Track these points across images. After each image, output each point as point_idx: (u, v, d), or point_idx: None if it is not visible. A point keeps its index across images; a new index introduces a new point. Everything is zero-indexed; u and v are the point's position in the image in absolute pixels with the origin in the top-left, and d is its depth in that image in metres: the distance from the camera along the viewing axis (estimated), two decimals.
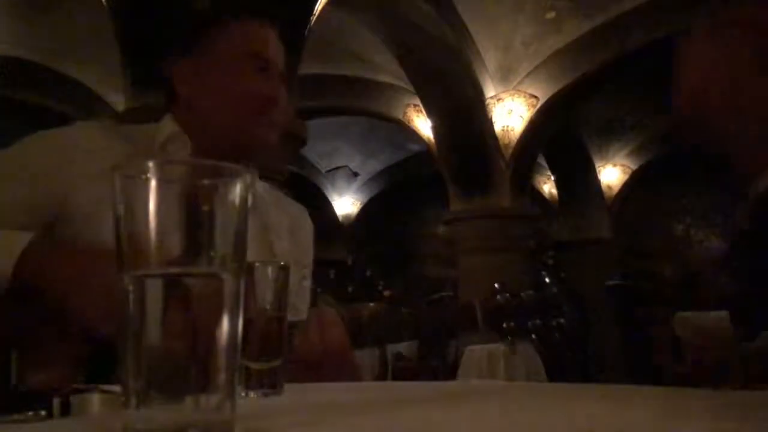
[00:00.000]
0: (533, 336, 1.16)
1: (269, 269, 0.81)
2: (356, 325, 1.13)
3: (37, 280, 0.96)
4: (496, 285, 1.16)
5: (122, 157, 1.16)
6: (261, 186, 1.38)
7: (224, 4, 1.32)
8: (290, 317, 1.27)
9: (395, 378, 7.09)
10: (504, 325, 1.13)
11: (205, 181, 0.42)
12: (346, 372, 1.06)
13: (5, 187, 1.14)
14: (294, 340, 1.03)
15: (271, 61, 1.24)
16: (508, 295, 1.14)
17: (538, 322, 1.12)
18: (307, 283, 1.41)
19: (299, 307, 1.35)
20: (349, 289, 10.82)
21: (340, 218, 12.21)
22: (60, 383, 0.91)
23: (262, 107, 1.22)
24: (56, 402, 0.60)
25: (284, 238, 1.36)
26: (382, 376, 6.47)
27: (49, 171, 1.14)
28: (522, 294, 1.13)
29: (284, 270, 0.82)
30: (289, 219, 1.41)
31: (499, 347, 5.97)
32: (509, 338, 1.14)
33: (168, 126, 1.25)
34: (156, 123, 1.27)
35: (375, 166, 11.74)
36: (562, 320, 1.13)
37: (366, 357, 6.07)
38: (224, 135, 1.21)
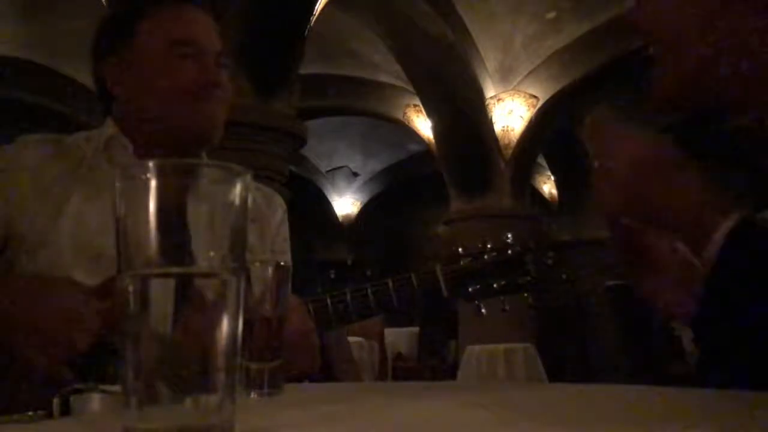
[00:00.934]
0: (501, 297, 1.14)
1: (269, 269, 0.81)
2: (321, 306, 1.11)
3: None
4: (459, 249, 1.15)
5: (56, 170, 1.16)
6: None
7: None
8: None
9: (395, 378, 7.09)
10: (469, 288, 1.11)
11: (205, 181, 0.43)
12: (307, 352, 1.04)
13: None
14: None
15: (197, 44, 1.20)
16: (470, 258, 1.12)
17: (503, 282, 1.11)
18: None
19: None
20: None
21: (340, 218, 12.20)
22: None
23: (196, 93, 1.18)
24: (56, 402, 0.60)
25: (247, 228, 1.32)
26: (382, 376, 6.47)
27: None
28: (485, 256, 1.12)
29: (284, 270, 0.82)
30: (254, 207, 1.33)
31: (499, 347, 5.97)
32: (476, 302, 1.12)
33: (108, 129, 1.23)
34: (99, 128, 1.26)
35: (375, 166, 11.74)
36: (528, 278, 1.11)
37: (366, 356, 6.07)
38: (164, 129, 1.19)
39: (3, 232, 1.12)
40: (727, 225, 0.75)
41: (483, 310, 1.13)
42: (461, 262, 1.12)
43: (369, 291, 1.14)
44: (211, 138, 1.21)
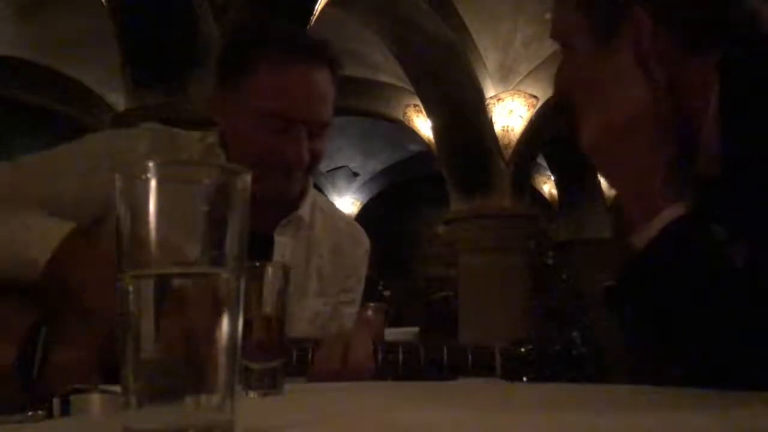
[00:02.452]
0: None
1: (269, 269, 0.81)
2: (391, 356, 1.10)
3: (67, 277, 0.98)
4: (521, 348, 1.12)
5: None
6: (319, 203, 1.33)
7: (266, 37, 1.19)
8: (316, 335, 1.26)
9: (395, 378, 7.07)
10: (523, 377, 1.07)
11: (206, 181, 0.43)
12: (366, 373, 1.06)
13: (60, 179, 1.15)
14: (314, 354, 1.04)
15: (298, 120, 1.13)
16: (531, 347, 1.08)
17: (556, 369, 1.08)
18: (350, 310, 1.35)
19: (330, 329, 1.30)
20: None
21: None
22: (79, 371, 0.93)
23: (278, 165, 1.14)
24: (56, 402, 0.60)
25: (325, 258, 1.31)
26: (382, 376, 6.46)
27: (100, 171, 1.12)
28: (548, 349, 1.08)
29: (284, 270, 0.82)
30: (335, 238, 1.34)
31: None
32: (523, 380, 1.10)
33: (211, 137, 1.24)
34: (206, 131, 1.26)
35: (375, 166, 11.73)
36: (574, 373, 1.09)
37: None
38: (244, 161, 1.19)
39: (96, 213, 1.11)
40: (668, 215, 0.80)
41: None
42: (521, 348, 1.09)
43: (422, 351, 1.11)
44: (276, 201, 1.18)
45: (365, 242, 1.39)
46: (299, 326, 1.22)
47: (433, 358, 1.10)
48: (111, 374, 0.89)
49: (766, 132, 0.74)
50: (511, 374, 1.08)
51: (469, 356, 1.09)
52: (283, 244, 1.24)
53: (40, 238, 1.00)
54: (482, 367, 1.08)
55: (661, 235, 0.80)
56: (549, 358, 1.08)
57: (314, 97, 1.15)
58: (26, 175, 1.16)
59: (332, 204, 1.43)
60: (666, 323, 0.80)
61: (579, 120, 0.93)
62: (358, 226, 1.42)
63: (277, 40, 1.16)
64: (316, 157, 1.17)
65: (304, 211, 1.28)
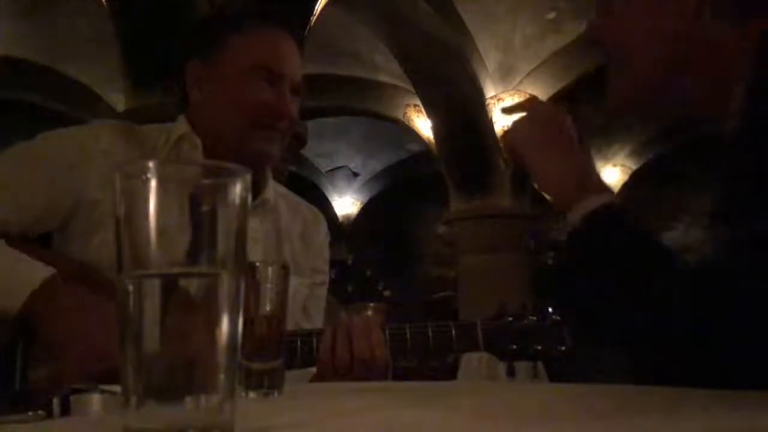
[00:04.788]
0: (536, 363, 1.15)
1: (269, 269, 0.81)
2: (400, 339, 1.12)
3: (42, 326, 0.98)
4: (500, 305, 1.16)
5: (137, 158, 1.17)
6: (276, 189, 1.38)
7: (243, 11, 1.30)
8: (305, 325, 1.29)
9: (395, 378, 7.08)
10: (505, 347, 1.12)
11: (205, 181, 0.43)
12: (376, 374, 1.07)
13: (25, 180, 1.15)
14: (316, 347, 1.06)
15: (282, 74, 1.23)
16: (510, 318, 1.13)
17: (539, 348, 1.12)
18: (322, 292, 1.41)
19: (312, 313, 1.36)
20: (349, 289, 10.80)
21: (340, 218, 12.19)
22: (61, 382, 0.93)
23: (267, 118, 1.21)
24: (56, 402, 0.60)
25: (295, 242, 1.36)
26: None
27: (67, 167, 1.15)
28: (526, 320, 1.12)
29: (284, 270, 0.82)
30: (303, 223, 1.40)
31: None
32: (508, 360, 1.13)
33: (181, 126, 1.26)
34: (171, 123, 1.28)
35: (375, 166, 11.73)
36: (563, 348, 1.12)
37: None
38: (228, 142, 1.21)
39: (66, 213, 1.13)
40: (592, 202, 0.84)
41: (515, 372, 1.14)
42: (500, 321, 1.13)
43: (408, 332, 1.13)
44: (262, 163, 1.24)
45: (325, 223, 1.47)
46: None
47: (419, 339, 1.12)
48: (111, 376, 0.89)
49: None
50: (494, 347, 1.11)
51: (453, 333, 1.12)
52: (254, 229, 1.28)
53: (10, 288, 0.99)
54: (467, 343, 1.12)
55: (582, 225, 0.83)
56: (527, 330, 1.11)
57: (294, 56, 1.27)
58: None
59: (287, 189, 1.45)
60: (586, 314, 0.82)
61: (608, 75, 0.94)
62: (316, 209, 1.49)
63: (254, 10, 1.29)
64: (293, 119, 1.25)
65: (269, 194, 1.33)
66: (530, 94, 6.93)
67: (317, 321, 1.37)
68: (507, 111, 1.06)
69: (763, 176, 0.71)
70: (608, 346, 0.80)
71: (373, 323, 1.11)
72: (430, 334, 1.12)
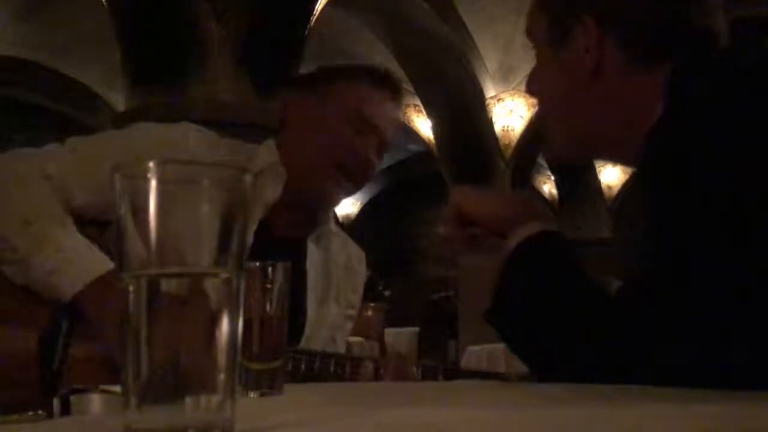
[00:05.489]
0: None
1: (270, 270, 0.81)
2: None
3: (93, 316, 1.00)
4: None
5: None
6: (333, 224, 1.46)
7: (359, 66, 1.41)
8: (328, 349, 1.35)
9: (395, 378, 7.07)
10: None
11: (206, 182, 0.42)
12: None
13: (104, 168, 1.14)
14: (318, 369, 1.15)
15: (376, 129, 1.29)
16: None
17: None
18: (349, 325, 1.48)
19: (338, 341, 1.43)
20: None
21: (341, 218, 12.19)
22: (96, 364, 0.94)
23: (352, 164, 1.27)
24: (56, 402, 0.60)
25: (341, 272, 1.44)
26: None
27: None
28: None
29: (285, 270, 0.82)
30: (346, 256, 1.47)
31: (499, 347, 5.97)
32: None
33: (269, 153, 1.29)
34: (257, 144, 1.32)
35: None
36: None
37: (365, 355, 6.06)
38: (304, 177, 1.26)
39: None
40: (529, 228, 0.86)
41: None
42: None
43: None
44: (326, 207, 1.35)
45: (364, 265, 1.54)
46: (320, 332, 1.35)
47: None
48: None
49: (698, 153, 0.72)
50: None
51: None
52: (314, 253, 1.37)
53: (72, 275, 1.02)
54: None
55: (513, 253, 0.85)
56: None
57: (391, 116, 1.33)
58: (78, 158, 1.16)
59: (338, 227, 1.54)
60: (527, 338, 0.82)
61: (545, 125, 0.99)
62: (361, 250, 1.56)
63: (368, 66, 1.40)
64: (372, 171, 1.33)
65: (332, 225, 1.42)
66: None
67: (341, 350, 1.44)
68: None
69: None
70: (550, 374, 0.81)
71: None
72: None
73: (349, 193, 1.34)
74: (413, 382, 1.15)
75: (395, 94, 1.35)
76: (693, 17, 0.85)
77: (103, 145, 1.21)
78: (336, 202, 1.36)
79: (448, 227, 1.02)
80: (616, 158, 1.02)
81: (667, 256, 0.71)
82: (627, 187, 9.78)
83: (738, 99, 0.72)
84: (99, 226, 1.15)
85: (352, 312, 1.48)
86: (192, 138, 1.22)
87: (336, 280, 1.40)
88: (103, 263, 1.04)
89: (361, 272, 1.51)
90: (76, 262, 1.03)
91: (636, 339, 0.70)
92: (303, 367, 1.14)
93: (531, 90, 1.00)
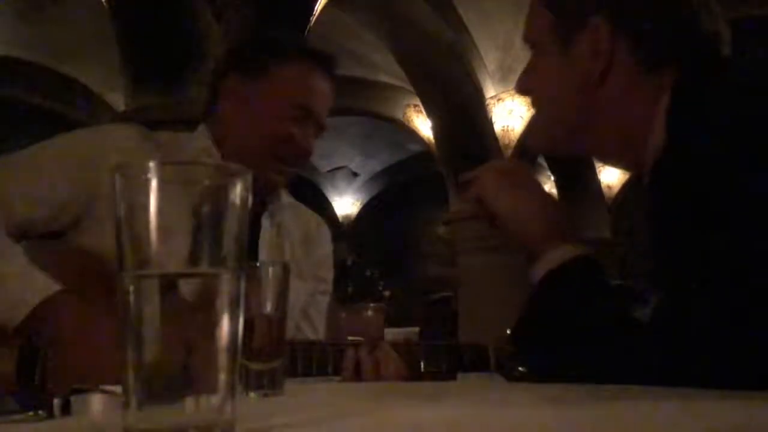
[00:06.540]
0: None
1: (269, 269, 0.81)
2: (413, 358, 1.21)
3: (48, 338, 0.97)
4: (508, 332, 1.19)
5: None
6: (285, 197, 1.42)
7: (293, 41, 1.37)
8: (306, 328, 1.33)
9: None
10: (515, 371, 1.16)
11: (206, 182, 0.42)
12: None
13: (44, 175, 1.17)
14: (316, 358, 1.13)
15: (313, 114, 1.27)
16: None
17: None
18: (324, 299, 1.44)
19: (314, 318, 1.40)
20: (349, 289, 10.81)
21: (340, 218, 12.19)
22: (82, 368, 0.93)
23: (289, 153, 1.26)
24: (56, 402, 0.60)
25: (296, 245, 1.40)
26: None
27: (83, 162, 1.17)
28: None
29: (285, 270, 0.82)
30: (305, 229, 1.44)
31: None
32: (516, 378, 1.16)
33: (203, 138, 1.28)
34: (189, 132, 1.30)
35: (375, 166, 11.73)
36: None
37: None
38: (239, 158, 1.23)
39: (80, 209, 1.15)
40: (561, 254, 0.85)
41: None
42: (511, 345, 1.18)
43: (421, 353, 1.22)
44: (265, 192, 1.31)
45: (329, 233, 1.51)
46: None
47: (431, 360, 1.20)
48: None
49: (700, 158, 0.72)
50: (502, 368, 1.14)
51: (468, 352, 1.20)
52: (267, 230, 1.34)
53: (12, 301, 1.00)
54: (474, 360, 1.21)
55: (548, 277, 0.84)
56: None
57: (328, 97, 1.31)
58: (13, 174, 1.16)
59: (293, 197, 1.50)
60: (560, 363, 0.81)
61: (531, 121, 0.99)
62: (320, 218, 1.52)
63: (302, 44, 1.35)
64: (309, 154, 1.31)
65: (284, 199, 1.39)
66: None
67: (319, 325, 1.40)
68: (463, 185, 1.06)
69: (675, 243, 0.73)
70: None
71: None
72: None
73: (290, 176, 1.31)
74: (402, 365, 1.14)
75: (331, 73, 1.31)
76: (702, 22, 0.84)
77: (35, 158, 1.20)
78: (280, 186, 1.32)
79: (448, 232, 1.03)
80: (608, 159, 1.00)
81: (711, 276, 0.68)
82: (627, 186, 9.78)
83: (747, 109, 0.71)
84: (52, 238, 1.16)
85: (326, 287, 1.44)
86: (120, 135, 1.22)
87: (290, 253, 1.36)
88: (43, 285, 1.01)
89: (323, 241, 1.46)
90: (13, 291, 1.00)
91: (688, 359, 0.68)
92: (299, 359, 1.13)
93: (524, 89, 0.98)
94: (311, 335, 1.37)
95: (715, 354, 0.65)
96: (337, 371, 1.14)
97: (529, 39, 0.98)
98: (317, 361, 1.13)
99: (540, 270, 0.86)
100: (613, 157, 0.96)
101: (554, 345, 0.83)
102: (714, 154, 0.70)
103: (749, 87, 0.75)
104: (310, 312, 1.38)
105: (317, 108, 1.28)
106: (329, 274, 1.46)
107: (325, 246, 1.47)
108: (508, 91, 6.96)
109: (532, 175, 0.99)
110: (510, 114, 7.00)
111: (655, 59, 0.84)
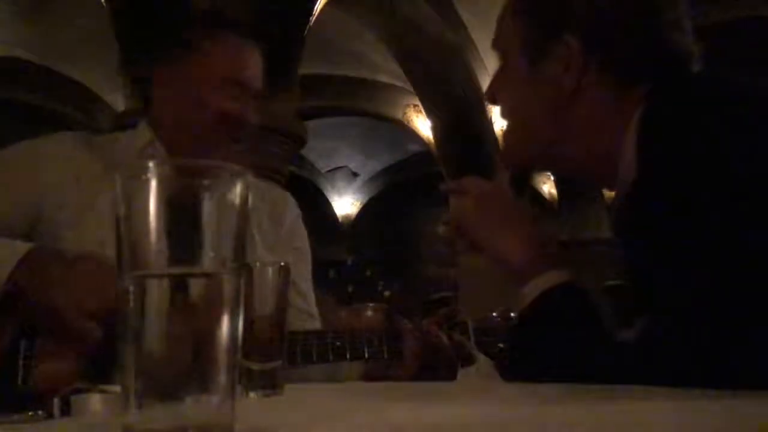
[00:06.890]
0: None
1: (269, 270, 0.81)
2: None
3: (30, 285, 0.98)
4: (493, 313, 1.21)
5: (89, 165, 1.19)
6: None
7: (213, 14, 1.34)
8: (297, 300, 1.32)
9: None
10: (494, 346, 1.18)
11: (206, 182, 0.42)
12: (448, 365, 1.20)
13: None
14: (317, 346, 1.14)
15: (246, 85, 1.26)
16: (499, 318, 1.19)
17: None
18: (305, 266, 1.43)
19: (302, 287, 1.39)
20: (349, 289, 10.81)
21: (340, 218, 12.20)
22: (64, 379, 0.93)
23: (228, 127, 1.24)
24: (56, 402, 0.60)
25: (265, 225, 1.39)
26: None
27: (22, 181, 1.18)
28: (512, 316, 1.16)
29: (285, 270, 0.82)
30: (270, 205, 1.43)
31: None
32: (497, 359, 1.17)
33: (144, 133, 1.27)
34: (133, 130, 1.29)
35: (375, 166, 11.73)
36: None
37: None
38: (187, 145, 1.24)
39: (30, 219, 1.15)
40: (545, 280, 0.85)
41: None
42: (489, 318, 1.20)
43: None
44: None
45: (294, 203, 1.49)
46: None
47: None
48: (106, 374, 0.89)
49: (671, 177, 0.71)
50: (481, 344, 1.19)
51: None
52: None
53: None
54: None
55: (536, 302, 0.84)
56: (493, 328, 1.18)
57: (258, 66, 1.30)
58: None
59: (256, 179, 1.49)
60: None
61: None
62: (285, 191, 1.51)
63: (223, 15, 1.33)
64: (250, 126, 1.29)
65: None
66: None
67: (307, 291, 1.40)
68: (448, 191, 1.06)
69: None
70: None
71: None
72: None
73: (229, 152, 1.29)
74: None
75: (256, 39, 1.31)
76: (674, 41, 0.84)
77: None
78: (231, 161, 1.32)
79: (448, 231, 1.02)
80: (578, 176, 1.01)
81: (691, 288, 0.69)
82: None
83: (719, 122, 0.71)
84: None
85: (303, 253, 1.43)
86: (62, 143, 1.23)
87: (261, 227, 1.36)
88: (20, 246, 1.02)
89: (291, 211, 1.45)
90: None
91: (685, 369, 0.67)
92: (299, 350, 1.13)
93: (494, 98, 0.98)
94: (302, 304, 1.36)
95: (702, 368, 0.66)
96: (337, 357, 1.14)
97: (498, 47, 0.98)
98: (317, 348, 1.14)
99: (526, 297, 0.87)
100: (584, 174, 0.96)
101: (543, 370, 0.83)
102: (683, 177, 0.70)
103: (717, 105, 0.74)
104: (296, 282, 1.37)
105: (250, 79, 1.27)
106: (304, 242, 1.45)
107: (292, 214, 1.46)
108: None
109: (510, 198, 0.98)
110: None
111: (626, 78, 0.84)
